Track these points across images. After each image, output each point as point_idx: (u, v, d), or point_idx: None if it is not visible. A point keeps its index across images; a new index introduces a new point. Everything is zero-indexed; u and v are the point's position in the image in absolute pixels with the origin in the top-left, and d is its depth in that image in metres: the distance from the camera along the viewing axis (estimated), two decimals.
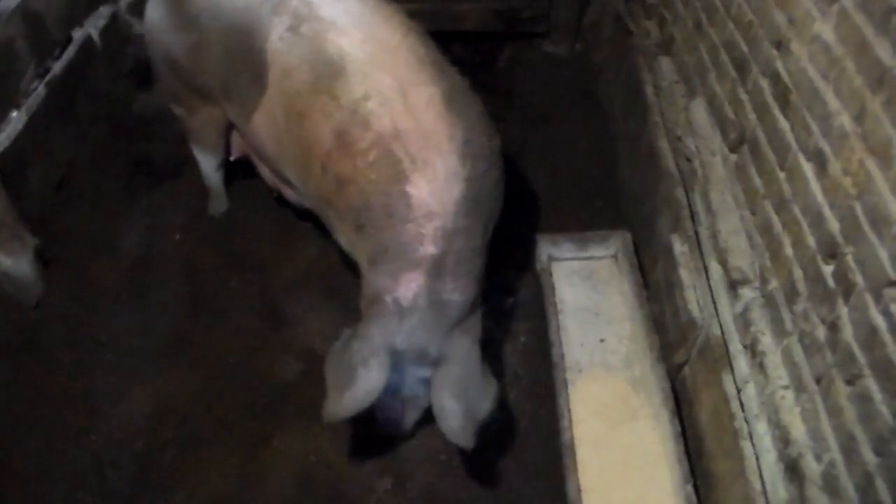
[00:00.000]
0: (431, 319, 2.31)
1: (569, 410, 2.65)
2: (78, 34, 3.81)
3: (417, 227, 2.28)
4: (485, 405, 2.36)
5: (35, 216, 3.22)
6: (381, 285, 2.34)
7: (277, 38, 2.56)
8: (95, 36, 3.90)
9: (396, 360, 2.32)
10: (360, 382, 2.21)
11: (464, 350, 2.37)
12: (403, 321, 2.28)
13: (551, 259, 3.15)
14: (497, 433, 2.78)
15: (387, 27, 2.53)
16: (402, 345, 2.30)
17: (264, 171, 3.15)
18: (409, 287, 2.29)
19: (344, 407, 2.24)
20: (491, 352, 3.02)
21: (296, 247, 3.41)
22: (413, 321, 2.29)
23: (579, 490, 2.46)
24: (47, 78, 3.51)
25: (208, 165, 3.38)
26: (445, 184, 2.29)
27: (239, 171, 3.42)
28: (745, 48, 2.43)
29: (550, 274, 3.11)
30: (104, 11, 4.01)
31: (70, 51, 3.72)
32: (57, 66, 3.60)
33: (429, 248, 2.28)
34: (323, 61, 2.46)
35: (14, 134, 3.22)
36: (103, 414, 2.85)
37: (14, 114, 3.29)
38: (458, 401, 2.29)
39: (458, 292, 2.34)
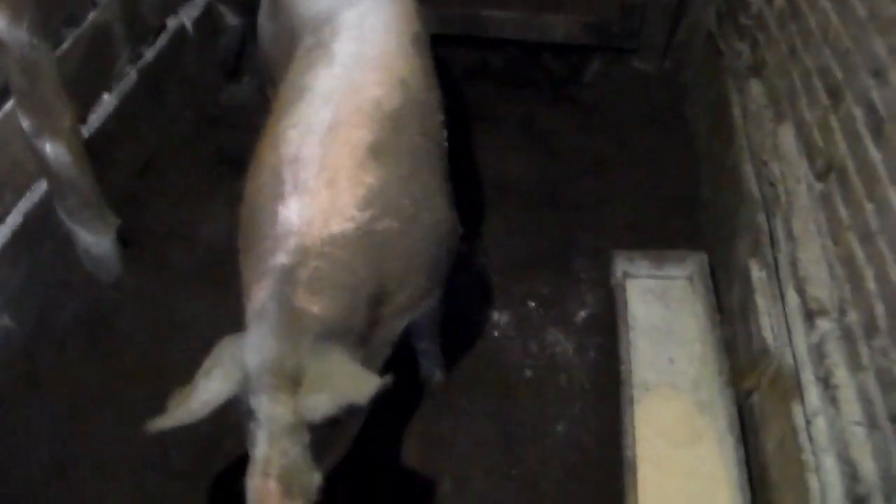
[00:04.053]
0: (282, 327, 2.03)
1: (633, 428, 2.62)
2: (172, 22, 3.89)
3: (275, 242, 2.12)
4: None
5: (118, 198, 3.28)
6: (244, 302, 2.23)
7: (300, 53, 2.56)
8: (188, 25, 3.98)
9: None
10: (198, 392, 2.08)
11: (331, 355, 2.04)
12: (252, 329, 2.07)
13: (626, 275, 3.12)
14: (560, 445, 2.78)
15: (375, 75, 2.39)
16: (254, 355, 2.02)
17: None
18: (258, 295, 2.11)
19: (175, 416, 2.09)
20: (560, 364, 3.04)
21: None
22: (262, 328, 2.04)
23: None
24: (139, 63, 3.59)
25: None
26: (321, 214, 2.11)
27: None
28: (839, 75, 2.38)
29: (624, 290, 3.08)
30: (198, 1, 4.08)
31: (163, 38, 3.79)
32: (149, 53, 3.68)
33: (280, 259, 2.08)
34: (301, 85, 2.39)
35: (104, 116, 3.31)
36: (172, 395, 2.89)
37: (106, 96, 3.38)
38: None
39: (315, 305, 2.06)
